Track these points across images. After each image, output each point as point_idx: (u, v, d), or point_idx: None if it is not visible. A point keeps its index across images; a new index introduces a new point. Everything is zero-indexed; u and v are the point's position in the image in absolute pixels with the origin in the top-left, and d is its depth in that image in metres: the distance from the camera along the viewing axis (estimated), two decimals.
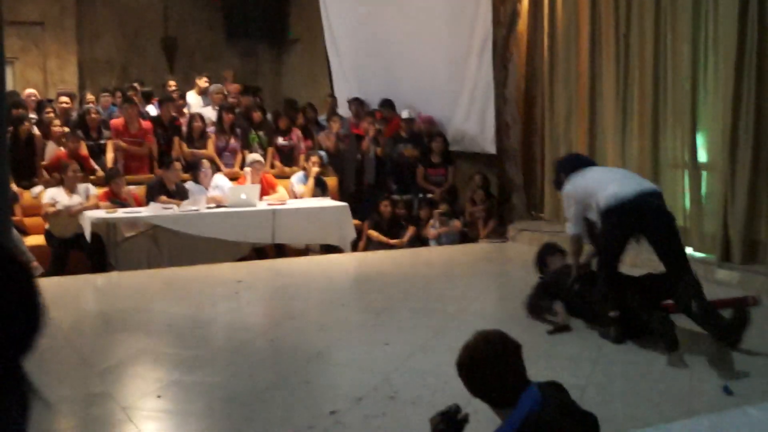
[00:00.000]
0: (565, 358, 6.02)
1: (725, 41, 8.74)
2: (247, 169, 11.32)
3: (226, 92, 14.05)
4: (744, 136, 8.50)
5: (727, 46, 8.68)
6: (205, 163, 11.29)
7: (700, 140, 9.25)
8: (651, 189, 6.64)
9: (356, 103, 13.77)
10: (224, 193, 10.70)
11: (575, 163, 7.24)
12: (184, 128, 12.27)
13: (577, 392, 4.92)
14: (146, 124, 11.90)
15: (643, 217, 6.45)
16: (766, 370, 5.72)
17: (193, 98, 14.42)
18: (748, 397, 4.93)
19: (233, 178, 11.44)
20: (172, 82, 15.09)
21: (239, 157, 12.03)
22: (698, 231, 9.21)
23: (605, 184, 6.62)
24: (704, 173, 9.24)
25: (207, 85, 14.38)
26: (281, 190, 11.31)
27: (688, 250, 9.20)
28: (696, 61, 9.25)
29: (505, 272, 9.92)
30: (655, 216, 6.50)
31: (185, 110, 13.47)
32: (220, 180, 11.12)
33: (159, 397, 5.25)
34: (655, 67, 9.78)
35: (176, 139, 12.00)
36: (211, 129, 12.44)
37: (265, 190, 11.12)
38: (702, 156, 9.26)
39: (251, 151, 12.00)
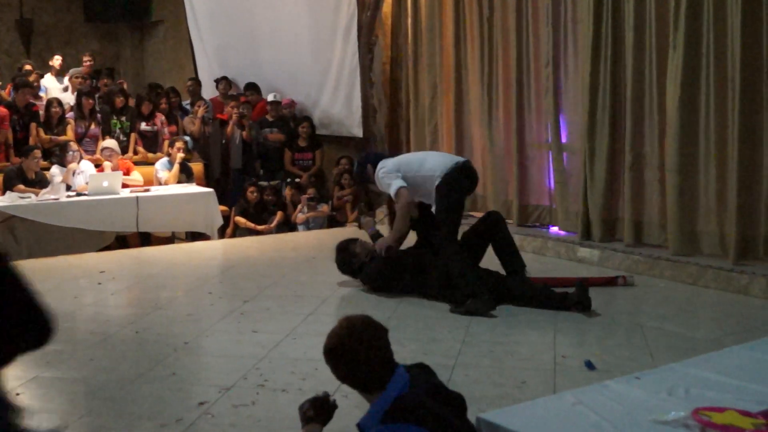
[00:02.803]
0: (433, 340, 6.07)
1: (583, 24, 8.96)
2: (105, 155, 11.08)
3: (85, 76, 13.69)
4: (601, 118, 8.74)
5: (585, 29, 8.90)
6: (73, 145, 10.98)
7: (563, 121, 9.47)
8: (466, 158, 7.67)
9: (224, 83, 13.60)
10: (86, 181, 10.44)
11: (379, 155, 7.95)
12: (41, 114, 11.87)
13: (445, 373, 4.98)
14: (1, 110, 11.46)
15: (473, 179, 7.33)
16: (626, 344, 5.89)
17: (50, 81, 13.99)
18: (610, 372, 5.07)
19: (95, 165, 11.17)
20: (28, 66, 14.55)
21: (100, 143, 11.73)
22: (563, 210, 9.44)
23: (427, 158, 7.43)
24: (566, 153, 9.46)
25: (60, 66, 13.97)
26: (136, 174, 11.10)
27: (554, 230, 9.47)
28: (557, 44, 9.46)
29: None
30: (476, 179, 7.45)
31: (42, 95, 13.06)
32: (85, 166, 10.84)
33: (18, 395, 5.07)
34: (519, 50, 9.94)
35: (33, 126, 11.60)
36: (70, 114, 12.09)
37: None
38: (564, 137, 9.48)
39: (113, 137, 11.72)
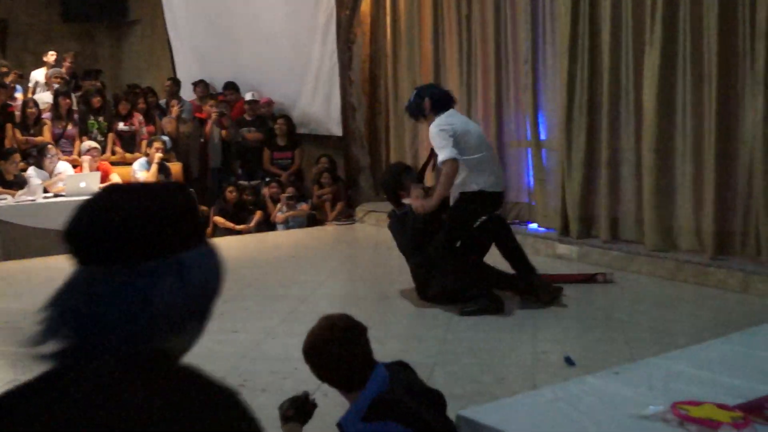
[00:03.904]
0: (413, 338, 6.09)
1: (560, 22, 8.99)
2: (85, 157, 10.99)
3: (66, 76, 13.62)
4: (578, 115, 8.78)
5: (562, 26, 8.93)
6: (51, 149, 10.91)
7: (542, 119, 9.51)
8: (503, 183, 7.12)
9: (201, 86, 13.55)
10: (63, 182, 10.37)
11: (445, 100, 7.02)
12: (17, 114, 11.79)
13: (425, 371, 4.99)
14: None
15: (496, 208, 7.02)
16: (605, 339, 5.92)
17: (41, 75, 13.93)
18: (588, 367, 5.09)
19: (72, 166, 11.10)
20: (4, 68, 14.45)
21: (78, 144, 11.66)
22: (542, 207, 9.47)
23: (485, 158, 6.82)
24: (545, 150, 9.50)
25: (54, 61, 13.90)
26: (115, 177, 11.00)
27: (533, 226, 9.50)
28: (535, 41, 9.49)
29: (353, 254, 9.96)
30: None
31: (32, 90, 12.98)
32: (63, 167, 10.78)
33: None
34: (497, 48, 9.97)
35: (9, 126, 11.51)
36: (47, 115, 12.02)
37: (103, 179, 10.82)
38: (543, 134, 9.51)
39: (90, 138, 11.66)
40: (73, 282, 1.54)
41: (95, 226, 1.50)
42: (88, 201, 1.54)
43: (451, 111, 6.89)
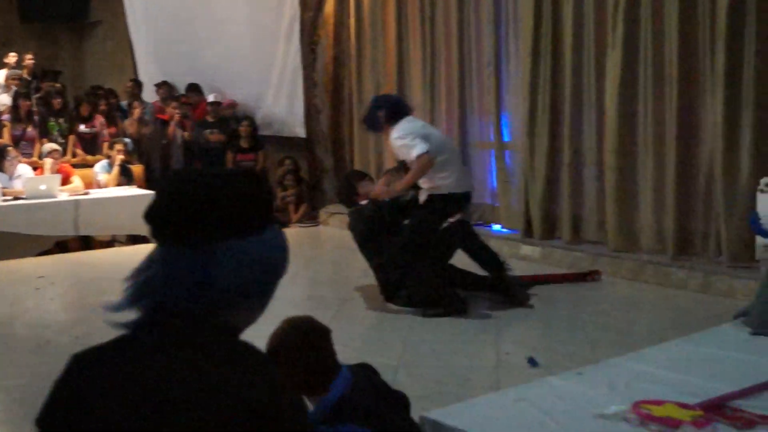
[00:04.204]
0: (376, 340, 6.08)
1: (523, 23, 9.04)
2: (47, 159, 10.88)
3: (27, 77, 13.48)
4: (541, 116, 8.83)
5: (525, 28, 8.98)
6: (11, 151, 10.78)
7: (505, 120, 9.55)
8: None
9: (164, 87, 13.46)
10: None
11: (401, 109, 6.98)
12: None
13: (389, 373, 4.98)
14: None
15: (464, 208, 7.09)
16: (568, 340, 5.95)
17: (1, 77, 13.77)
18: (551, 368, 5.12)
19: (33, 168, 10.98)
20: None
21: (38, 146, 11.54)
22: (506, 208, 9.51)
23: (452, 159, 6.84)
24: (509, 152, 9.54)
25: (15, 63, 13.76)
26: (76, 180, 10.88)
27: (497, 227, 9.55)
28: (498, 43, 9.53)
29: (317, 256, 9.93)
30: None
31: None
32: (23, 170, 10.66)
33: None
34: (461, 50, 10.00)
35: None
36: (6, 117, 11.89)
37: (64, 181, 10.73)
38: (506, 136, 9.56)
39: (51, 140, 11.54)
40: (151, 259, 1.73)
41: (168, 211, 1.67)
42: (164, 186, 1.73)
43: (408, 118, 6.84)
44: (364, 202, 7.09)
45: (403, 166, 7.08)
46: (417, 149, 6.49)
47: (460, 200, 6.88)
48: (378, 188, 6.98)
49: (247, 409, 1.54)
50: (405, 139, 6.58)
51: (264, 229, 1.74)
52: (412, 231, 6.83)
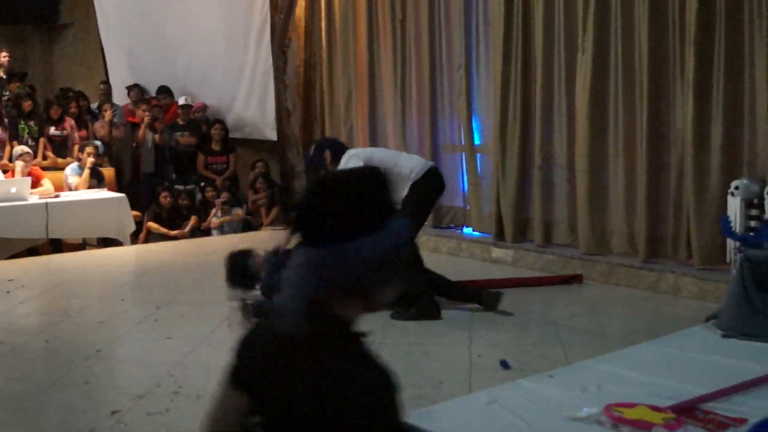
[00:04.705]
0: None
1: (494, 27, 9.07)
2: (18, 162, 10.80)
3: (2, 75, 13.36)
4: (512, 120, 8.86)
5: (496, 31, 9.00)
6: None
7: (475, 123, 9.57)
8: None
9: (135, 90, 13.39)
10: None
11: (339, 142, 7.52)
12: None
13: None
14: None
15: (443, 183, 7.13)
16: (540, 343, 5.97)
17: None
18: (524, 371, 5.12)
19: (2, 171, 10.90)
20: None
21: (8, 149, 11.45)
22: (477, 211, 9.52)
23: (400, 156, 7.19)
24: (479, 155, 9.56)
25: (8, 62, 13.65)
26: (47, 183, 10.79)
27: (468, 230, 9.57)
28: (468, 47, 9.56)
29: None
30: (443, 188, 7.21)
31: None
32: None
33: None
34: (431, 53, 10.02)
35: None
36: None
37: (34, 184, 10.65)
38: (477, 138, 9.58)
39: (21, 143, 11.46)
40: (293, 254, 2.00)
41: (307, 216, 1.96)
42: (305, 191, 2.03)
43: (347, 152, 7.20)
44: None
45: None
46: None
47: (436, 175, 7.01)
48: None
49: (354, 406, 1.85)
50: (349, 163, 6.95)
51: (387, 223, 1.94)
52: (404, 213, 6.87)
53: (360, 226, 1.90)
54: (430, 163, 7.17)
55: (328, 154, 7.15)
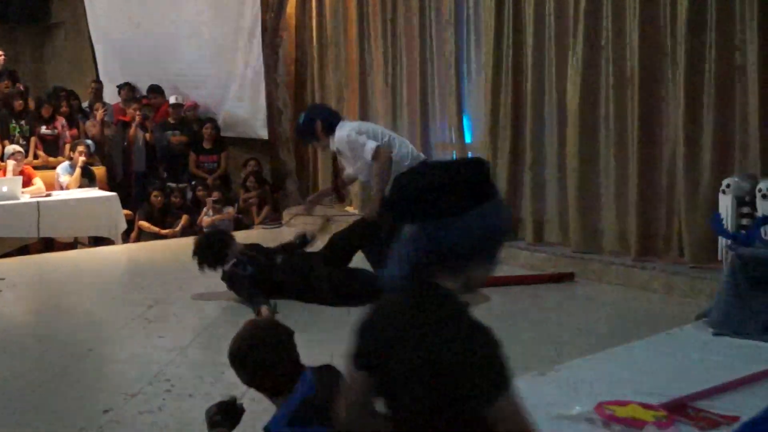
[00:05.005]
0: (340, 342, 6.05)
1: (485, 26, 9.07)
2: (10, 161, 10.77)
3: None
4: (503, 118, 8.86)
5: (486, 30, 9.01)
6: None
7: (466, 121, 9.58)
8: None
9: (127, 89, 13.37)
10: None
11: (334, 118, 7.25)
12: None
13: None
14: None
15: None
16: (531, 341, 5.97)
17: None
18: (514, 368, 5.10)
19: None
20: None
21: None
22: None
23: (396, 139, 7.06)
24: (471, 153, 9.56)
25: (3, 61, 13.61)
26: (38, 182, 10.77)
27: None
28: (459, 45, 9.56)
29: None
30: None
31: None
32: None
33: None
34: (422, 51, 10.02)
35: None
36: None
37: (26, 183, 10.62)
38: (468, 137, 9.58)
39: (12, 142, 11.43)
40: (400, 233, 2.25)
41: (402, 194, 2.24)
42: (403, 174, 2.31)
43: (341, 123, 7.12)
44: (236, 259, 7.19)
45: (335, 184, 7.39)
46: (369, 145, 6.80)
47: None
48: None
49: (465, 364, 2.11)
50: (354, 139, 6.85)
51: (483, 204, 2.17)
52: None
53: (462, 205, 2.15)
54: (421, 157, 7.11)
55: (318, 125, 7.08)
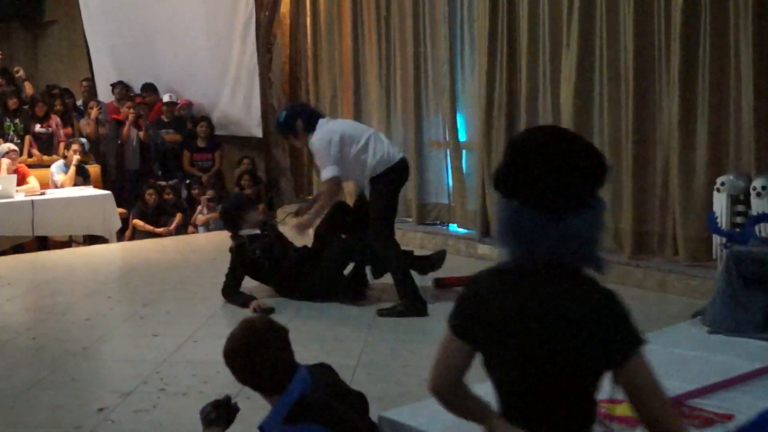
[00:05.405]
0: (335, 340, 6.07)
1: (479, 24, 9.07)
2: (4, 159, 10.75)
3: None
4: (497, 116, 8.86)
5: (481, 28, 9.00)
6: None
7: (460, 120, 9.57)
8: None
9: (120, 87, 13.36)
10: None
11: (315, 117, 7.26)
12: None
13: (347, 373, 4.98)
14: None
15: (406, 177, 7.19)
16: None
17: None
18: None
19: None
20: None
21: None
22: (461, 208, 9.53)
23: (370, 139, 7.01)
24: (465, 152, 9.56)
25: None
26: (33, 180, 10.75)
27: (452, 227, 9.56)
28: (453, 43, 9.56)
29: None
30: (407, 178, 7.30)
31: None
32: None
33: None
34: (416, 49, 10.01)
35: None
36: None
37: (20, 181, 10.61)
38: (462, 135, 9.58)
39: (6, 140, 11.41)
40: (502, 207, 2.35)
41: (524, 174, 2.30)
42: (520, 147, 2.40)
43: (321, 121, 7.12)
44: (251, 231, 7.28)
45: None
46: (327, 172, 6.91)
47: (400, 166, 7.01)
48: (295, 228, 7.16)
49: (597, 329, 2.23)
50: (325, 149, 6.92)
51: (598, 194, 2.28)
52: (377, 218, 6.93)
53: (595, 198, 2.29)
54: (399, 156, 7.10)
55: (300, 124, 7.11)
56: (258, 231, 7.30)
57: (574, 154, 2.27)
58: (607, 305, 2.30)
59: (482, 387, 2.62)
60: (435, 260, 7.27)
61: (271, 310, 6.75)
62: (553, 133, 2.40)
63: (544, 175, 2.25)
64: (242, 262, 7.19)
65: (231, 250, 7.29)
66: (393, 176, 6.91)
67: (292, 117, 7.21)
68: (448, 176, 9.81)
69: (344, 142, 6.90)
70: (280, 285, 7.29)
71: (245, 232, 7.25)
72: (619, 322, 2.30)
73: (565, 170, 2.24)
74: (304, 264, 7.25)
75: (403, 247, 7.23)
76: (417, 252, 7.68)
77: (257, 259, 7.18)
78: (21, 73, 13.92)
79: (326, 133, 6.95)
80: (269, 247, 7.24)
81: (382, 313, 6.70)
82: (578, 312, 2.24)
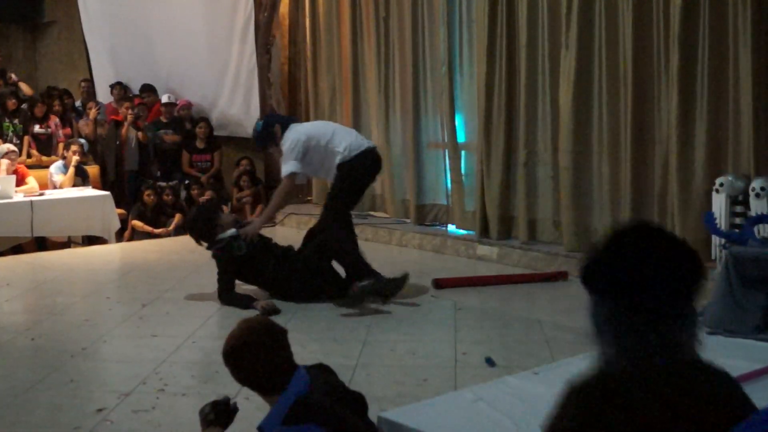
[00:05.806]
0: (334, 341, 6.08)
1: (478, 25, 9.07)
2: (3, 160, 10.75)
3: None
4: (496, 117, 8.87)
5: (480, 29, 9.01)
6: None
7: (459, 121, 9.58)
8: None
9: (119, 88, 13.36)
10: None
11: (287, 118, 7.65)
12: None
13: (346, 373, 4.98)
14: None
15: (377, 167, 7.33)
16: (525, 340, 5.98)
17: None
18: (509, 368, 5.14)
19: None
20: None
21: None
22: (459, 209, 9.53)
23: (336, 131, 7.27)
24: (463, 153, 9.57)
25: None
26: (32, 181, 10.74)
27: (451, 227, 9.56)
28: (452, 45, 9.56)
29: None
30: (380, 168, 7.43)
31: None
32: None
33: None
34: (414, 50, 10.02)
35: None
36: None
37: (19, 182, 10.60)
38: (461, 136, 9.58)
39: (5, 141, 11.41)
40: (594, 306, 2.18)
41: (619, 273, 2.08)
42: (619, 246, 2.12)
43: (292, 125, 7.34)
44: (229, 233, 7.24)
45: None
46: (287, 167, 7.12)
47: (369, 154, 7.14)
48: (248, 232, 7.24)
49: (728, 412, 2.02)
50: (292, 149, 7.10)
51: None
52: (336, 199, 7.13)
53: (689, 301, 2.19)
54: (367, 144, 7.25)
55: (278, 129, 7.28)
56: (235, 230, 7.26)
57: (679, 256, 2.15)
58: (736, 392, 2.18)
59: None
60: (399, 283, 7.03)
61: (278, 311, 6.76)
62: (655, 233, 2.20)
63: (648, 275, 2.08)
64: (231, 263, 7.18)
65: (214, 256, 7.27)
66: (361, 162, 7.04)
67: (269, 125, 7.42)
68: (446, 177, 9.81)
69: (312, 139, 7.10)
70: (270, 285, 7.29)
71: (223, 235, 7.24)
72: (740, 404, 2.14)
73: (668, 272, 2.10)
74: (289, 261, 7.25)
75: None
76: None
77: (244, 255, 7.16)
78: (14, 78, 13.92)
79: (295, 133, 7.18)
80: (250, 240, 7.22)
81: (342, 303, 6.89)
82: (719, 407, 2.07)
